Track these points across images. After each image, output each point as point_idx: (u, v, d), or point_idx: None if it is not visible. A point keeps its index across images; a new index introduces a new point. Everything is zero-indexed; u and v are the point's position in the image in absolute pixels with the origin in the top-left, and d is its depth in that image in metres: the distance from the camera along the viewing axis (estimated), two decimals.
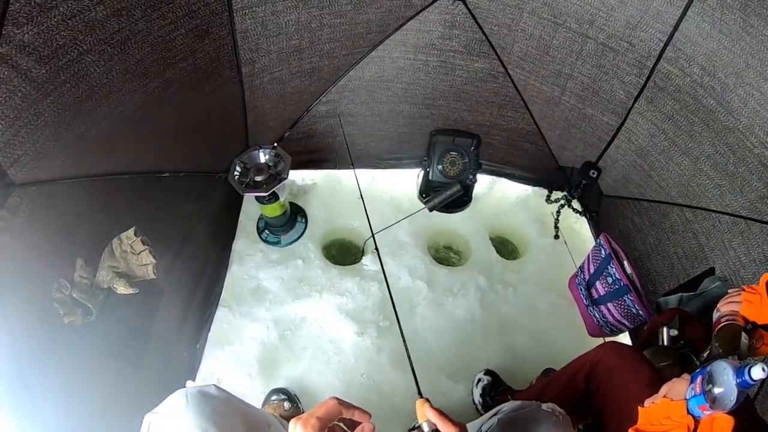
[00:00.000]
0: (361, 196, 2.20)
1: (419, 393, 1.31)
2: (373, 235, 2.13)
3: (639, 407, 1.53)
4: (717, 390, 1.27)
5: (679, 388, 1.44)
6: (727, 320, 1.62)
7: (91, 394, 1.82)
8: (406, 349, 1.55)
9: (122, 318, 1.99)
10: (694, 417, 1.34)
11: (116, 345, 1.98)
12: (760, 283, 1.61)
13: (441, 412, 1.21)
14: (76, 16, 1.45)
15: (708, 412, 1.30)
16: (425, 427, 1.21)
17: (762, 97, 1.95)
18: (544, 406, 1.64)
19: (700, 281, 2.36)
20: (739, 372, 1.24)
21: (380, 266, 1.91)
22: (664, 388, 1.50)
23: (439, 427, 1.19)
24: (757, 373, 1.20)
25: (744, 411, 1.30)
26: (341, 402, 1.22)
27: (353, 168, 2.47)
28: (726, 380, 1.26)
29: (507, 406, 1.70)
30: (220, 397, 1.51)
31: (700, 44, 2.08)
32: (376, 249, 2.06)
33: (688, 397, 1.37)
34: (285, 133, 2.93)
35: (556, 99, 2.82)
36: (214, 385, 1.56)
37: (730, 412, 1.26)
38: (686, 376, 1.46)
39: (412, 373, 1.43)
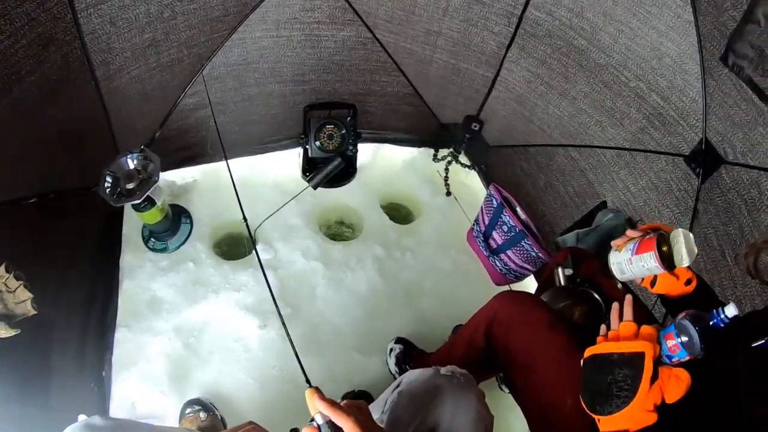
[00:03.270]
0: (234, 186, 2.13)
1: (307, 382, 1.28)
2: (246, 224, 2.06)
3: (588, 349, 1.51)
4: (684, 338, 1.28)
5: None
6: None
7: None
8: (289, 338, 1.53)
9: (15, 362, 1.89)
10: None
11: (17, 392, 1.90)
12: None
13: (332, 402, 1.15)
14: None
15: (676, 358, 1.30)
16: (319, 419, 1.15)
17: (632, 32, 2.02)
18: (443, 370, 1.65)
19: (593, 216, 2.44)
20: (712, 315, 1.27)
21: (257, 257, 1.86)
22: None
23: (332, 418, 1.14)
24: (730, 310, 1.23)
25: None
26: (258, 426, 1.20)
27: (226, 159, 2.38)
28: (692, 333, 1.27)
29: (407, 377, 1.70)
30: (107, 427, 1.48)
31: None
32: (251, 235, 2.00)
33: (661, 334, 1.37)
34: (155, 134, 2.79)
35: (428, 58, 2.81)
36: (98, 416, 1.51)
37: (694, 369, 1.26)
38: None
39: (298, 362, 1.40)
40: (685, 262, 1.39)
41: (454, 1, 2.45)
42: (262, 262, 2.80)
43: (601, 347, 1.43)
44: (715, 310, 1.27)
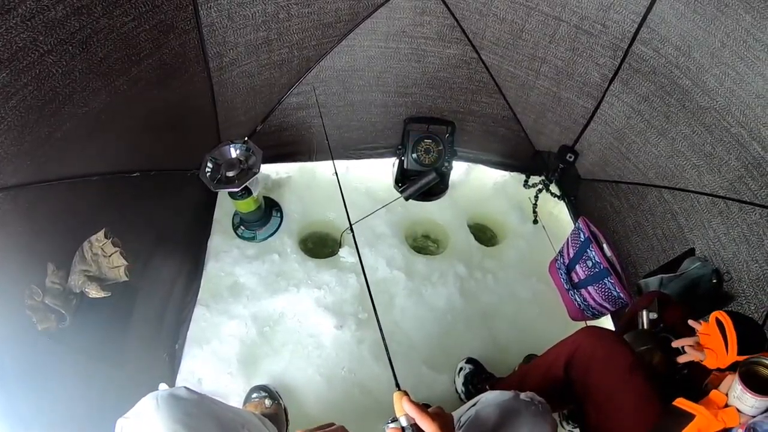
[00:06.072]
0: (339, 184, 2.16)
1: (397, 385, 1.28)
2: (350, 226, 2.09)
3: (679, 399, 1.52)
4: None
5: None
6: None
7: (71, 399, 1.82)
8: (384, 340, 1.52)
9: (97, 322, 1.96)
10: None
11: (93, 349, 1.97)
12: (710, 322, 1.65)
13: (419, 406, 1.19)
14: (36, 16, 1.40)
15: None
16: (403, 422, 1.19)
17: (738, 77, 1.95)
18: (522, 395, 1.63)
19: (680, 262, 2.37)
20: None
21: (358, 258, 1.88)
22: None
23: (417, 422, 1.17)
24: None
25: None
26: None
27: (332, 159, 2.43)
28: None
29: (485, 397, 1.69)
30: (191, 399, 1.50)
31: (675, 25, 2.07)
32: (354, 239, 2.03)
33: None
34: (257, 127, 2.89)
35: (530, 83, 2.81)
36: (185, 387, 1.54)
37: None
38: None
39: (389, 364, 1.41)
40: None
41: (561, 28, 2.44)
42: (347, 264, 2.85)
43: (680, 401, 1.48)
44: None
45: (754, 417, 1.36)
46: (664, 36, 2.15)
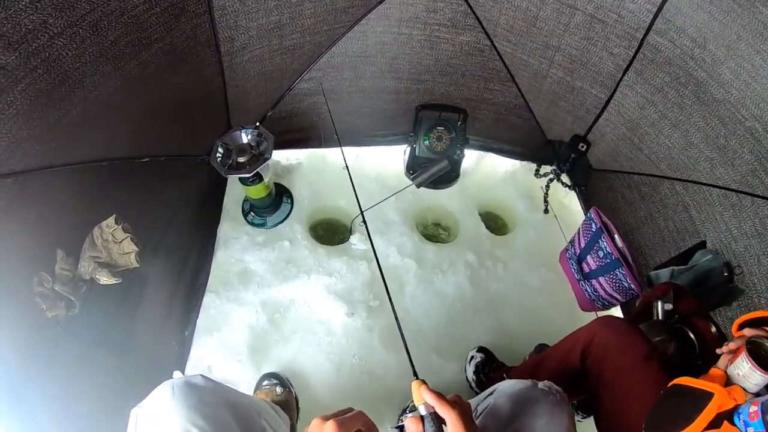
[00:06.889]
0: (348, 170, 2.15)
1: (415, 374, 1.28)
2: (362, 212, 2.08)
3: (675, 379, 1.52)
4: None
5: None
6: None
7: (79, 387, 1.80)
8: (400, 329, 1.51)
9: (107, 309, 1.96)
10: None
11: (102, 336, 1.95)
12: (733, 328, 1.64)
13: (438, 394, 1.18)
14: None
15: (751, 427, 1.26)
16: (422, 410, 1.18)
17: (753, 70, 1.92)
18: (540, 384, 1.63)
19: (691, 255, 2.36)
20: None
21: (370, 244, 1.87)
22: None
23: (437, 410, 1.16)
24: None
25: None
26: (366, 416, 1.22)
27: (340, 146, 2.42)
28: None
29: (502, 386, 1.68)
30: (207, 387, 1.48)
31: (691, 16, 2.05)
32: (365, 225, 2.01)
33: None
34: (267, 113, 2.87)
35: (543, 72, 2.78)
36: (201, 375, 1.52)
37: None
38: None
39: (406, 353, 1.40)
40: None
41: (576, 17, 2.41)
42: (358, 252, 2.84)
43: (683, 379, 1.47)
44: None
45: (755, 394, 1.36)
46: (679, 27, 2.13)
